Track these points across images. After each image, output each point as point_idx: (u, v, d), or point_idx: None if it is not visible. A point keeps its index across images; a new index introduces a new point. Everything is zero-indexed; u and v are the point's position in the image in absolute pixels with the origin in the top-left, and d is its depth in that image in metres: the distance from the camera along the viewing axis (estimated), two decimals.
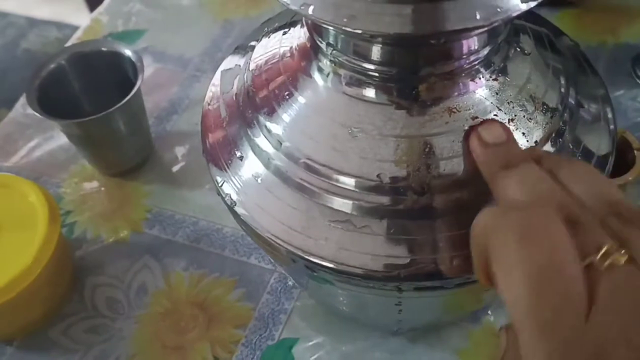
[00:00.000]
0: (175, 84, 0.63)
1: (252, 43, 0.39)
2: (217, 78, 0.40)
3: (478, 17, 0.25)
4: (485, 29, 0.29)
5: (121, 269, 0.50)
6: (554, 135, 0.32)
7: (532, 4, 0.26)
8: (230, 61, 0.41)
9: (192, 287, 0.49)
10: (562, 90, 0.34)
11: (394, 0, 0.25)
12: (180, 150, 0.57)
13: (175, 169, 0.57)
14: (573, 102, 0.34)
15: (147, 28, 0.69)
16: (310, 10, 0.26)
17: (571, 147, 0.33)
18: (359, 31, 0.26)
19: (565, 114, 0.33)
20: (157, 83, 0.64)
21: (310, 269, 0.33)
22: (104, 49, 0.52)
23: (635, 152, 0.46)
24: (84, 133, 0.51)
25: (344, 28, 0.26)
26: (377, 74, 0.31)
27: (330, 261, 0.32)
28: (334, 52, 0.31)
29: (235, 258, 0.50)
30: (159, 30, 0.69)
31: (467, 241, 0.30)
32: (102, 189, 0.56)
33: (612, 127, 0.36)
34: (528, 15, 0.37)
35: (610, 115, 0.36)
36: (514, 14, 0.26)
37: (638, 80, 0.58)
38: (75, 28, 0.74)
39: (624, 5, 0.65)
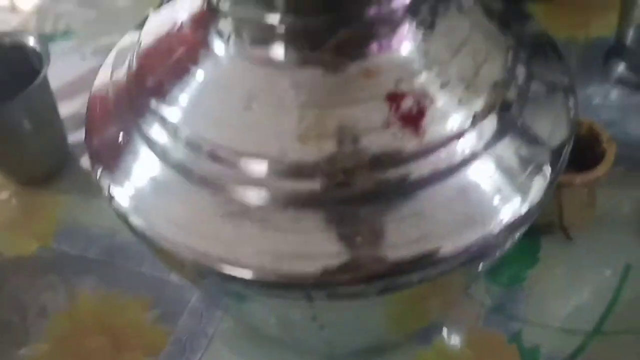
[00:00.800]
0: None
1: (149, 13, 0.34)
2: (110, 57, 0.34)
3: None
4: None
5: (20, 289, 0.43)
6: (497, 108, 0.27)
7: None
8: (128, 37, 0.35)
9: (100, 308, 0.42)
10: (509, 64, 0.28)
11: None
12: None
13: (95, 176, 0.50)
14: (521, 81, 0.29)
15: (78, 29, 0.64)
16: None
17: (517, 128, 0.27)
18: None
19: (511, 89, 0.28)
20: (84, 85, 0.57)
21: (200, 275, 0.27)
22: (6, 40, 0.46)
23: (604, 145, 0.40)
24: None
25: None
26: (282, 27, 0.25)
27: (221, 262, 0.25)
28: (233, 7, 0.26)
29: (153, 274, 0.44)
30: (91, 30, 0.63)
31: (395, 235, 0.24)
32: (13, 199, 0.50)
33: (572, 115, 0.30)
34: None
35: (571, 104, 0.30)
36: None
37: (610, 77, 0.53)
38: None
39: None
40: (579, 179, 0.39)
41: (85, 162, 0.51)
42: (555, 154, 0.28)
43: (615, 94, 0.52)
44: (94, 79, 0.57)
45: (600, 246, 0.42)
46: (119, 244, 0.46)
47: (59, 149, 0.50)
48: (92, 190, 0.49)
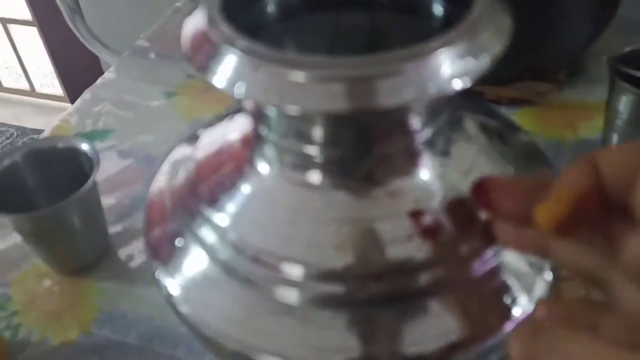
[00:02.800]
0: (139, 181, 0.63)
1: (199, 132, 0.39)
2: (164, 168, 0.40)
3: (406, 95, 0.25)
4: (421, 107, 0.28)
5: None
6: None
7: (465, 82, 0.26)
8: (179, 151, 0.40)
9: None
10: None
11: (322, 78, 0.25)
12: (137, 246, 0.56)
13: (132, 265, 0.55)
14: None
15: (115, 127, 0.70)
16: (239, 88, 0.26)
17: None
18: (287, 107, 0.26)
19: None
20: (121, 180, 0.63)
21: None
22: (60, 144, 0.52)
23: None
24: (36, 229, 0.49)
25: (272, 104, 0.26)
26: (318, 158, 0.30)
27: (270, 354, 0.30)
28: (277, 138, 0.31)
29: (187, 359, 0.47)
30: (127, 129, 0.69)
31: (420, 332, 0.29)
32: (55, 287, 0.54)
33: None
34: (480, 108, 0.38)
35: None
36: (445, 92, 0.26)
37: None
38: None
39: (582, 102, 0.67)
40: None
41: (123, 252, 0.56)
42: None
43: None
44: (130, 175, 0.63)
45: None
46: (156, 329, 0.49)
47: (102, 241, 0.54)
48: (131, 278, 0.54)
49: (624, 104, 0.53)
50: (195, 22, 0.30)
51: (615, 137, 0.56)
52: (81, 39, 0.82)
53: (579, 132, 0.64)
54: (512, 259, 0.31)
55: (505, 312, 0.30)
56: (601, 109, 0.57)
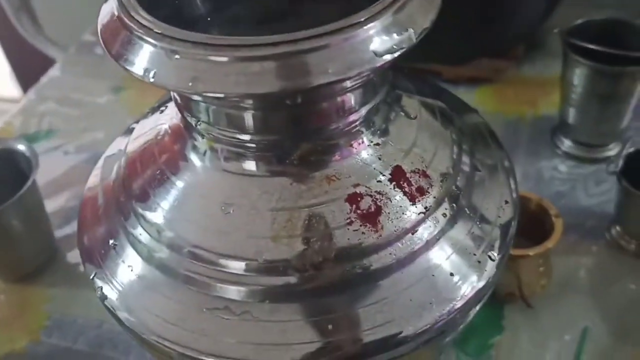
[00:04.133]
0: (86, 182, 0.60)
1: (133, 125, 0.37)
2: (99, 164, 0.38)
3: (330, 71, 0.23)
4: (352, 84, 0.27)
5: None
6: (447, 199, 0.30)
7: (390, 57, 0.24)
8: (115, 145, 0.38)
9: None
10: (454, 156, 0.32)
11: (239, 58, 0.23)
12: None
13: (81, 268, 0.52)
14: (467, 169, 0.33)
15: (61, 127, 0.67)
16: (151, 76, 0.24)
17: (468, 212, 0.31)
18: (205, 94, 0.24)
19: (459, 179, 0.31)
20: (68, 181, 0.61)
21: None
22: None
23: (553, 218, 0.44)
24: None
25: (188, 92, 0.24)
26: (252, 144, 0.28)
27: (208, 355, 0.28)
28: (206, 126, 0.29)
29: None
30: (74, 128, 0.67)
31: (363, 319, 0.27)
32: (1, 296, 0.52)
33: (514, 195, 0.34)
34: (425, 88, 0.36)
35: (512, 185, 0.34)
36: (372, 67, 0.24)
37: (558, 151, 0.58)
38: None
39: (540, 77, 0.66)
40: (533, 251, 0.42)
41: (71, 256, 0.53)
42: (504, 231, 0.32)
43: (564, 166, 0.56)
44: (77, 175, 0.61)
45: (559, 312, 0.46)
46: (107, 333, 0.47)
47: (47, 245, 0.52)
48: (79, 283, 0.51)
49: (577, 77, 0.52)
50: (109, 9, 0.28)
51: (571, 111, 0.55)
52: (25, 35, 0.78)
53: (538, 109, 0.63)
54: (459, 237, 0.30)
55: (453, 292, 0.29)
56: (557, 86, 0.56)
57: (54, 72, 0.75)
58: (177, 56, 0.24)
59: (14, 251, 0.49)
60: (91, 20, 0.81)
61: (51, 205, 0.56)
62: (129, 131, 0.38)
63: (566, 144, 0.57)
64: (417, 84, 0.35)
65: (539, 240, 0.43)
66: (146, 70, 0.25)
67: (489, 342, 0.44)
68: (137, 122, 0.37)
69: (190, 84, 0.24)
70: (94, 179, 0.37)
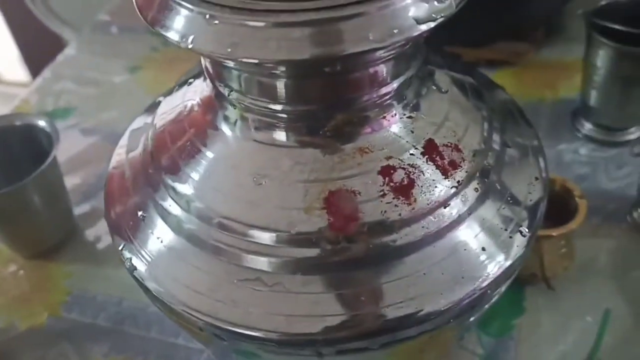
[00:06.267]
0: (104, 160, 0.60)
1: (159, 99, 0.37)
2: (124, 139, 0.37)
3: (371, 37, 0.23)
4: (387, 54, 0.26)
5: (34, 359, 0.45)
6: (478, 175, 0.30)
7: (431, 25, 0.24)
8: (140, 120, 0.38)
9: None
10: (485, 133, 0.32)
11: (280, 24, 0.23)
12: (104, 227, 0.53)
13: (100, 246, 0.53)
14: (498, 146, 0.32)
15: (78, 105, 0.67)
16: (190, 41, 0.24)
17: (498, 188, 0.31)
18: (244, 60, 0.24)
19: (490, 155, 0.31)
20: (86, 159, 0.61)
21: (219, 337, 0.29)
22: (17, 122, 0.49)
23: (577, 199, 0.44)
24: None
25: (226, 58, 0.24)
26: (284, 114, 0.28)
27: (238, 325, 0.28)
28: (239, 96, 0.29)
29: (161, 339, 0.45)
30: (90, 106, 0.67)
31: (393, 293, 0.27)
32: (21, 272, 0.52)
33: (543, 174, 0.33)
34: (456, 66, 0.36)
35: (542, 164, 0.34)
36: (412, 35, 0.24)
37: (578, 134, 0.57)
38: None
39: (560, 61, 0.65)
40: (556, 232, 0.42)
41: (89, 233, 0.54)
42: (532, 211, 0.31)
43: (584, 149, 0.56)
44: (95, 153, 0.61)
45: (581, 294, 0.45)
46: (127, 310, 0.47)
47: (66, 222, 0.52)
48: (99, 259, 0.52)
49: (601, 58, 0.52)
50: None
51: (593, 94, 0.54)
52: (40, 17, 0.78)
53: (558, 92, 0.62)
54: (488, 214, 0.30)
55: (480, 270, 0.28)
56: (580, 67, 0.56)
57: (69, 51, 0.75)
58: (216, 21, 0.24)
59: (34, 227, 0.49)
60: (103, 1, 0.81)
61: (69, 182, 0.56)
62: (155, 105, 0.38)
63: (587, 127, 0.57)
64: (447, 60, 0.35)
65: (562, 222, 0.43)
66: (183, 36, 0.24)
67: (510, 323, 0.44)
68: (163, 96, 0.37)
69: (229, 49, 0.24)
70: (119, 154, 0.37)
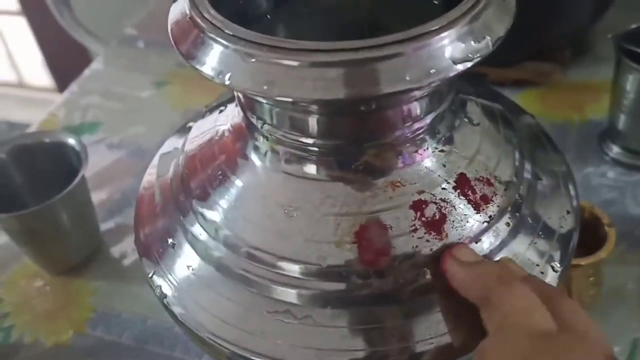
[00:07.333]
0: (130, 175, 0.61)
1: (190, 124, 0.37)
2: (154, 161, 0.38)
3: (408, 78, 0.23)
4: (422, 92, 0.26)
5: None
6: (509, 208, 0.30)
7: (468, 65, 0.24)
8: (170, 144, 0.39)
9: None
10: (517, 163, 0.32)
11: (315, 63, 0.23)
12: (130, 244, 0.54)
13: (125, 262, 0.53)
14: (529, 177, 0.32)
15: (104, 120, 0.67)
16: (227, 79, 0.24)
17: (530, 221, 0.31)
18: (280, 98, 0.24)
19: (522, 187, 0.31)
20: (111, 175, 0.61)
21: None
22: (46, 140, 0.50)
23: (606, 227, 0.43)
24: (25, 227, 0.47)
25: (263, 96, 0.24)
26: (315, 148, 0.28)
27: (266, 357, 0.28)
28: (270, 128, 0.29)
29: (184, 359, 0.45)
30: (117, 121, 0.67)
31: (424, 330, 0.27)
32: (47, 288, 0.52)
33: (575, 203, 0.33)
34: (483, 91, 0.36)
35: (572, 192, 0.34)
36: (448, 75, 0.24)
37: (606, 157, 0.57)
38: None
39: (588, 83, 0.65)
40: (585, 261, 0.42)
41: (115, 250, 0.54)
42: (564, 244, 0.31)
43: (612, 173, 0.55)
44: (121, 169, 0.61)
45: (609, 322, 0.45)
46: (152, 328, 0.48)
47: (93, 239, 0.53)
48: (124, 276, 0.52)
49: (630, 82, 0.51)
50: (180, 8, 0.28)
51: (622, 117, 0.54)
52: (67, 28, 0.79)
53: (585, 114, 0.62)
54: (520, 249, 0.29)
55: None
56: (608, 88, 0.55)
57: (96, 65, 0.76)
58: (252, 59, 0.24)
59: (62, 244, 0.50)
60: (131, 14, 0.81)
61: (95, 198, 0.57)
62: (185, 129, 0.38)
63: (615, 150, 0.56)
64: (474, 85, 0.35)
65: (590, 249, 0.42)
66: (220, 73, 0.25)
67: None
68: (195, 121, 0.37)
69: (265, 87, 0.24)
70: (149, 177, 0.37)
